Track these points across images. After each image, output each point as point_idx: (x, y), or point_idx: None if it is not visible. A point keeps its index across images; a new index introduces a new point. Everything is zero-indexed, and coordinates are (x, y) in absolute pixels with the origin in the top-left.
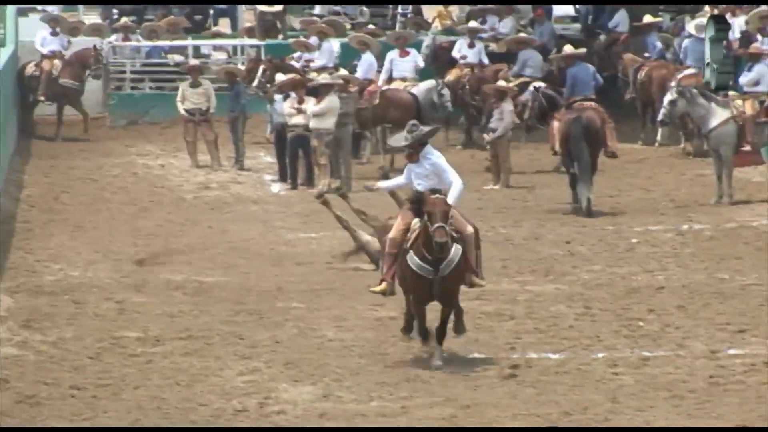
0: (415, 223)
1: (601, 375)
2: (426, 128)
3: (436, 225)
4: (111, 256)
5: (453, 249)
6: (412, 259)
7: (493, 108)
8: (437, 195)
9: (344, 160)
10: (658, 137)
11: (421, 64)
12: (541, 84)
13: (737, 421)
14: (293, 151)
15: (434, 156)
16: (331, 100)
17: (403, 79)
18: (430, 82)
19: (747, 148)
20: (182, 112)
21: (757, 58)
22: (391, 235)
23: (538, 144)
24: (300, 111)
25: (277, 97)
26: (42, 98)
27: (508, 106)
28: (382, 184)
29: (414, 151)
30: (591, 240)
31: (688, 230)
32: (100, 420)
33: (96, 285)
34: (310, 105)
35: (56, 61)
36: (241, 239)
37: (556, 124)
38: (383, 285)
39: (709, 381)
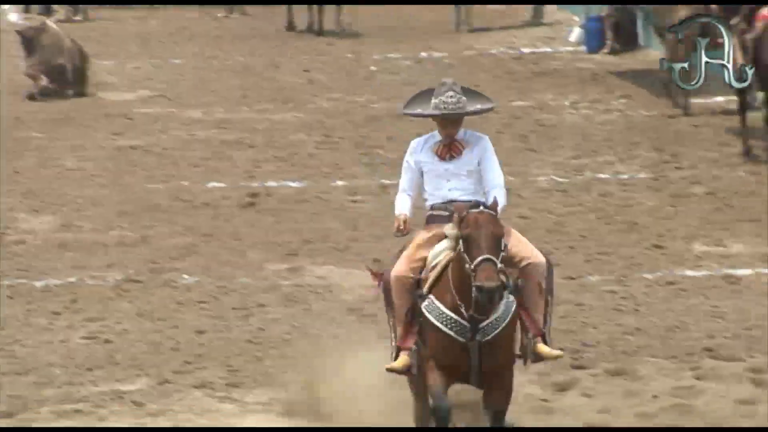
0: (438, 252)
1: (340, 203)
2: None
3: (481, 258)
4: None
5: (503, 303)
6: (435, 309)
7: None
8: (481, 209)
9: None
10: None
11: None
12: None
13: None
14: None
15: (484, 141)
16: None
17: None
18: None
19: None
20: None
21: None
22: (395, 271)
23: None
24: None
25: None
26: None
27: None
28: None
29: (452, 140)
30: (330, 68)
31: (427, 58)
32: None
33: None
34: None
35: None
36: None
37: None
38: (402, 358)
39: None
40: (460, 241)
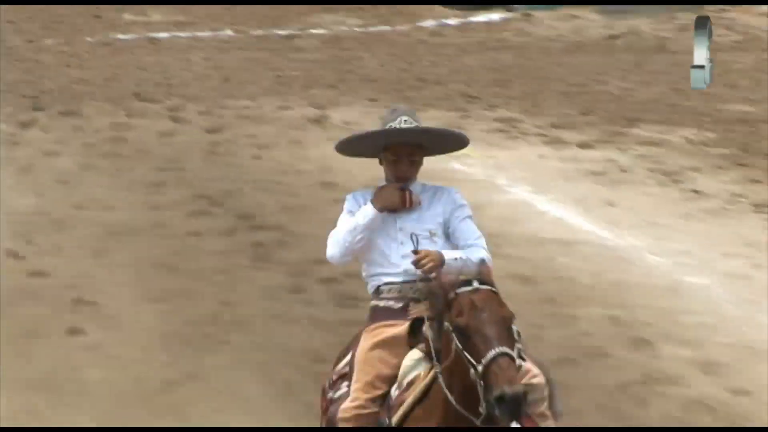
0: (413, 363)
1: None
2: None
3: (494, 353)
4: None
5: None
6: None
7: None
8: (476, 286)
9: None
10: None
11: None
12: None
13: None
14: None
15: (451, 193)
16: None
17: None
18: None
19: None
20: None
21: None
22: (348, 407)
23: None
24: None
25: None
26: None
27: None
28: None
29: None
30: None
31: None
32: None
33: None
34: None
35: None
36: None
37: None
38: None
39: None
40: (455, 337)
